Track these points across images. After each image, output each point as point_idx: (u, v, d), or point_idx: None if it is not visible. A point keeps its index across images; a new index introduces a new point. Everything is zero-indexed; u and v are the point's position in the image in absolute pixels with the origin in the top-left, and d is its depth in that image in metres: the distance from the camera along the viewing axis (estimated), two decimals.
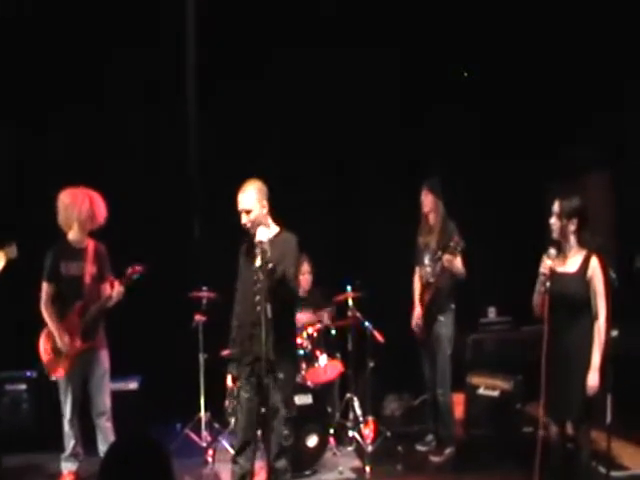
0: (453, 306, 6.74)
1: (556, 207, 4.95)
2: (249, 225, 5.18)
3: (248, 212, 5.15)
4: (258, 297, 5.09)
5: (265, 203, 5.22)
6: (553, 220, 4.96)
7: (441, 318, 6.70)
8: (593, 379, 4.81)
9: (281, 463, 5.19)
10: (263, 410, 5.23)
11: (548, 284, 4.89)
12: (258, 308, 5.08)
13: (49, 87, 7.49)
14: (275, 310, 4.96)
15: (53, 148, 7.61)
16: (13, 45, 7.42)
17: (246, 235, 5.26)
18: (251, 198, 5.16)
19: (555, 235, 4.97)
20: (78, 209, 5.94)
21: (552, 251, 4.94)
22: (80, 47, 7.49)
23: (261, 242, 4.98)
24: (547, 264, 4.92)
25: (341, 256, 7.87)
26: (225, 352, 5.60)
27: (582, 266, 4.93)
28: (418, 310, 6.82)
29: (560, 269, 4.97)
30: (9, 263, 5.59)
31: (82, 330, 5.91)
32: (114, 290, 5.88)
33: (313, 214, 7.97)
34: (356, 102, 8.05)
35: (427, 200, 6.77)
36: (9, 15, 7.20)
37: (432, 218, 6.77)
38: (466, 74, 8.51)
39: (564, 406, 4.94)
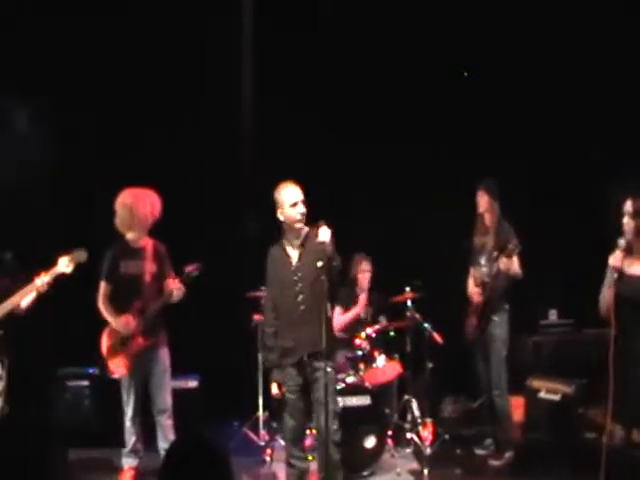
0: (507, 307, 6.67)
1: (629, 206, 4.73)
2: (303, 221, 5.24)
3: (305, 202, 5.23)
4: (301, 297, 5.14)
5: None
6: (626, 220, 4.73)
7: (495, 318, 6.63)
8: None
9: (333, 458, 5.19)
10: (309, 409, 5.30)
11: (615, 276, 4.72)
12: (302, 307, 5.12)
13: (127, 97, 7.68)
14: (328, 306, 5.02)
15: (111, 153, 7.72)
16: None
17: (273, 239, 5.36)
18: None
19: (628, 235, 4.77)
20: (141, 209, 6.01)
21: (621, 241, 4.73)
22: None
23: (324, 243, 5.00)
24: (618, 255, 4.72)
25: (399, 257, 7.82)
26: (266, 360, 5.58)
27: None
28: (472, 310, 6.76)
29: (630, 270, 4.74)
30: (78, 267, 5.68)
31: (142, 328, 5.99)
32: (174, 288, 5.94)
33: (370, 214, 7.95)
34: (413, 100, 8.01)
35: (483, 201, 6.73)
36: None
37: (488, 219, 6.71)
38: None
39: (632, 412, 4.80)
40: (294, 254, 5.32)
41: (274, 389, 5.45)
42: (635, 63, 7.54)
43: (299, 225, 5.25)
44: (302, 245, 5.29)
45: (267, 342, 5.49)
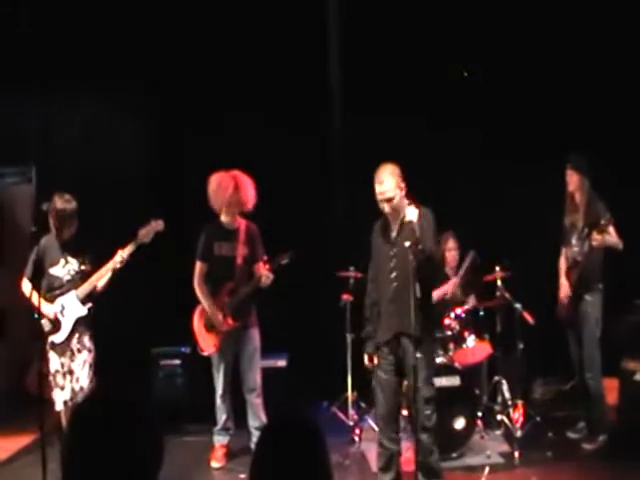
0: (601, 286, 6.48)
1: None
2: (391, 212, 5.17)
3: (389, 200, 5.14)
4: (395, 273, 5.12)
5: (403, 185, 5.21)
6: None
7: (588, 297, 6.46)
8: None
9: (425, 443, 5.16)
10: (403, 390, 5.26)
11: None
12: (395, 284, 5.09)
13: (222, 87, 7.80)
14: (421, 289, 4.95)
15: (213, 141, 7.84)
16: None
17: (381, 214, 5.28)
18: (390, 186, 5.16)
19: None
20: (223, 193, 6.08)
21: None
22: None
23: (411, 222, 4.95)
24: None
25: (490, 236, 7.71)
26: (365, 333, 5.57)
27: None
28: (564, 289, 6.61)
29: None
30: (158, 236, 5.82)
31: (233, 309, 6.07)
32: (263, 274, 5.99)
33: (460, 193, 7.85)
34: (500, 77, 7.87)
35: (572, 179, 6.55)
36: None
37: (578, 197, 6.54)
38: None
39: None
40: (394, 229, 5.28)
41: (366, 360, 5.44)
42: None
43: (385, 209, 5.21)
44: (402, 223, 5.23)
45: (365, 313, 5.48)
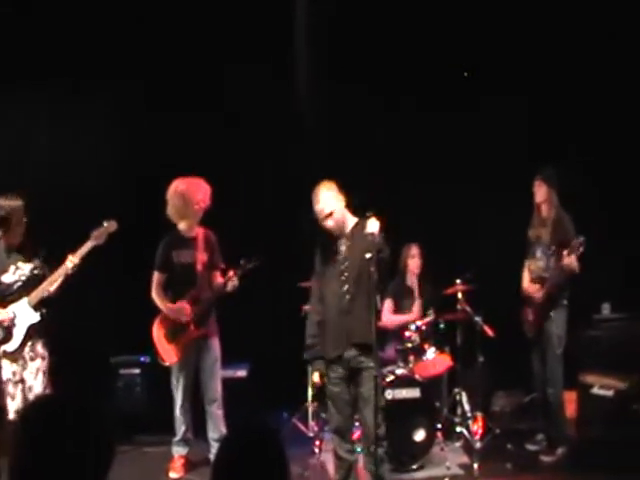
0: (565, 302, 6.55)
1: None
2: (335, 227, 5.18)
3: (330, 215, 5.15)
4: (347, 286, 5.14)
5: (341, 197, 5.22)
6: None
7: (552, 314, 6.53)
8: None
9: (377, 452, 5.15)
10: (354, 400, 5.26)
11: None
12: (347, 297, 5.11)
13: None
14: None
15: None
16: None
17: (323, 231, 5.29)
18: (326, 202, 5.18)
19: None
20: (193, 198, 6.03)
21: None
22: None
23: (373, 234, 4.96)
24: None
25: (451, 249, 7.76)
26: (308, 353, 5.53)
27: None
28: (529, 306, 6.66)
29: None
30: (111, 237, 5.73)
31: (195, 317, 6.02)
32: (229, 281, 5.95)
33: (422, 205, 7.89)
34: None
35: (540, 191, 6.59)
36: None
37: (545, 210, 6.59)
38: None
39: None
40: (343, 245, 5.28)
41: (315, 377, 5.42)
42: None
43: (330, 225, 5.22)
44: (351, 236, 5.25)
45: (310, 331, 5.44)
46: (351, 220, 5.29)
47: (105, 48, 7.59)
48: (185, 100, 7.71)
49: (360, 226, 5.14)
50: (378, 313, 5.11)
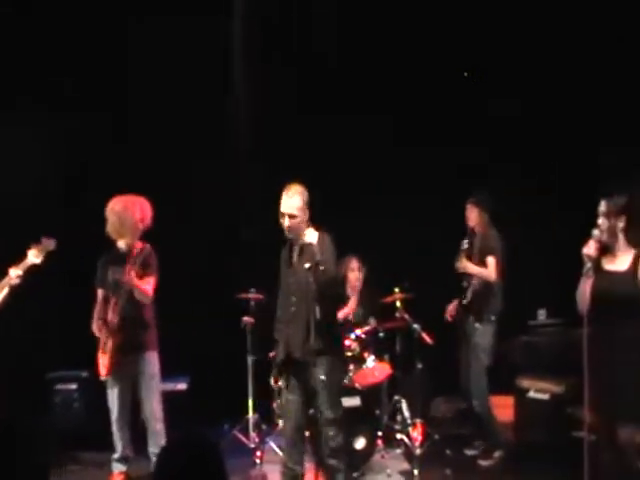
0: (493, 318, 6.70)
1: (603, 207, 4.83)
2: (290, 229, 5.20)
3: (292, 217, 5.17)
4: (294, 298, 5.17)
5: (307, 211, 5.25)
6: (601, 220, 4.84)
7: (478, 326, 6.67)
8: None
9: (330, 463, 5.18)
10: (309, 412, 5.29)
11: (589, 265, 4.79)
12: (293, 309, 5.14)
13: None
14: (321, 311, 5.00)
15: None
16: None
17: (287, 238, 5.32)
18: (296, 204, 5.20)
19: (604, 236, 4.84)
20: (131, 216, 5.97)
21: (595, 232, 4.82)
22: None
23: (311, 244, 5.00)
24: (592, 245, 4.80)
25: (391, 258, 7.84)
26: (271, 354, 5.59)
27: (632, 265, 4.81)
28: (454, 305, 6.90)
29: (608, 267, 4.86)
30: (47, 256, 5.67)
31: (117, 327, 5.93)
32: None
33: (363, 215, 7.96)
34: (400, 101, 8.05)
35: (472, 215, 6.79)
36: None
37: (477, 232, 6.78)
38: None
39: (612, 408, 4.84)
40: (295, 254, 5.32)
41: (272, 380, 5.44)
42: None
43: (289, 235, 5.25)
44: (302, 248, 5.28)
45: (275, 336, 5.50)
46: (306, 230, 5.28)
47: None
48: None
49: (320, 239, 5.17)
50: (320, 324, 5.08)
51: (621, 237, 4.85)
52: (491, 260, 6.57)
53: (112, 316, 5.94)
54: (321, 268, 5.01)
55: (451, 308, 6.92)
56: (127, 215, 5.96)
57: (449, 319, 6.92)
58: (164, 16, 7.57)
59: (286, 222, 5.20)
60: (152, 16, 7.60)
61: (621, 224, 4.82)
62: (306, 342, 4.98)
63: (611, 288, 4.78)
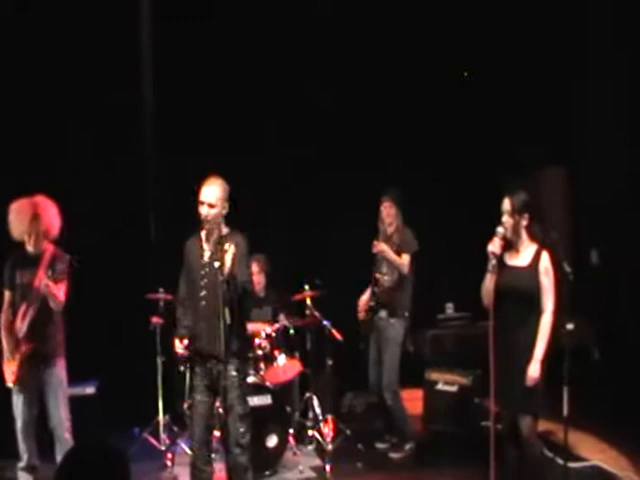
0: (407, 314, 6.78)
1: (506, 204, 4.99)
2: (208, 219, 5.16)
3: (211, 206, 5.14)
4: (205, 292, 5.15)
5: (226, 205, 5.22)
6: (505, 218, 5.00)
7: (392, 321, 6.76)
8: (533, 370, 4.86)
9: (240, 461, 5.17)
10: (218, 410, 5.26)
11: (494, 262, 4.94)
12: (203, 303, 5.12)
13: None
14: (231, 314, 4.99)
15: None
16: None
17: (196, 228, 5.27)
18: (217, 194, 5.16)
19: (507, 232, 4.99)
20: (21, 222, 5.81)
21: (500, 229, 4.97)
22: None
23: (225, 237, 5.00)
24: (496, 242, 4.96)
25: (300, 255, 7.87)
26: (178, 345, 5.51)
27: (533, 260, 4.98)
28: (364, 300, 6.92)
29: (511, 262, 5.03)
30: None
31: (26, 333, 5.79)
32: (41, 285, 5.72)
33: (273, 214, 7.96)
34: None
35: (390, 212, 6.83)
36: None
37: (391, 228, 6.83)
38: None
39: (512, 399, 4.97)
40: (207, 250, 5.27)
41: (177, 345, 5.38)
42: None
43: (206, 225, 5.20)
44: (218, 243, 5.21)
45: (178, 315, 5.46)
46: (223, 229, 5.25)
47: None
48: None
49: (225, 239, 5.13)
50: (230, 326, 5.06)
51: (524, 233, 5.00)
52: (406, 257, 6.66)
53: (21, 324, 5.78)
54: (235, 281, 5.02)
55: (362, 303, 6.94)
56: (18, 219, 5.81)
57: (362, 315, 6.92)
58: None
59: (204, 211, 5.16)
60: None
61: (525, 221, 4.97)
62: (216, 342, 4.95)
63: (513, 282, 4.95)
